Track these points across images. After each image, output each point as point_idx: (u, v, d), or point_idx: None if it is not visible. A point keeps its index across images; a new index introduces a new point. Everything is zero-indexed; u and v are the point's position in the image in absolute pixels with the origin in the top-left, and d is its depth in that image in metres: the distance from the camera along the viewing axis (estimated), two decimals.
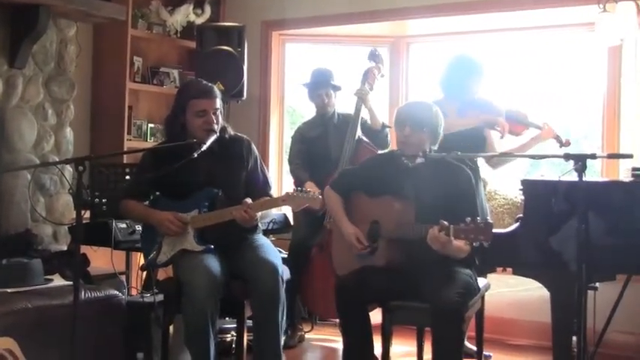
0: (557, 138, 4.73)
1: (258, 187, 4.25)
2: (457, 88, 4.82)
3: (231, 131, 4.25)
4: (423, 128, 3.88)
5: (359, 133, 5.27)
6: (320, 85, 5.36)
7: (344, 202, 4.13)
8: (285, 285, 4.01)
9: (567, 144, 4.72)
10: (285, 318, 4.05)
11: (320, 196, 3.94)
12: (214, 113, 4.07)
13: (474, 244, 3.53)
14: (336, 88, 5.40)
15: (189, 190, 4.08)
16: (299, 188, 4.03)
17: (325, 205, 4.26)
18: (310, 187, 5.03)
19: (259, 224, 4.31)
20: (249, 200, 3.98)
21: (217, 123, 4.09)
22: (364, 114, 5.34)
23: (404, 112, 3.96)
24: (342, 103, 5.54)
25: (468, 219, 3.47)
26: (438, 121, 3.94)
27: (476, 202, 3.92)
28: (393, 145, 5.11)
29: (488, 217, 4.81)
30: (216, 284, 3.86)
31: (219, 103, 4.12)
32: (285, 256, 5.10)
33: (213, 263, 3.93)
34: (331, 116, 5.42)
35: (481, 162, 4.83)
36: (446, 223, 3.52)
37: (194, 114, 4.06)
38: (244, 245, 4.13)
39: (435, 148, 3.96)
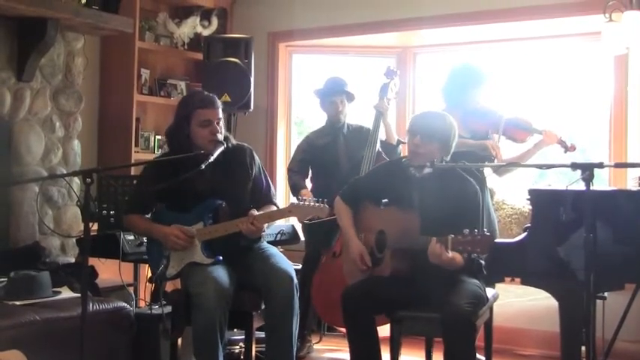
0: (562, 143, 4.69)
1: (262, 194, 4.27)
2: (459, 98, 4.82)
3: (233, 140, 4.26)
4: (434, 139, 3.88)
5: (378, 146, 5.24)
6: (334, 92, 5.33)
7: (354, 211, 4.14)
8: (298, 294, 4.01)
9: (572, 149, 4.67)
10: (297, 328, 4.05)
11: (326, 205, 3.94)
12: (217, 123, 4.09)
13: (472, 256, 3.53)
14: (350, 97, 5.37)
15: (194, 202, 4.08)
16: (304, 198, 4.02)
17: (332, 214, 4.25)
18: (306, 194, 5.03)
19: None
20: (255, 212, 3.98)
21: (221, 133, 4.10)
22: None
23: (417, 122, 3.97)
24: (354, 115, 5.52)
25: (467, 231, 3.48)
26: (450, 133, 3.92)
27: (479, 215, 3.91)
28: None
29: (496, 227, 4.83)
30: (226, 295, 3.86)
31: (221, 112, 4.14)
32: (298, 267, 5.09)
33: (222, 275, 3.93)
34: (341, 126, 5.40)
35: (487, 170, 4.82)
36: (447, 236, 3.53)
37: (198, 124, 4.06)
38: (253, 255, 4.14)
39: (448, 159, 3.95)
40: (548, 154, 4.87)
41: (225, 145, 4.12)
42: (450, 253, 3.55)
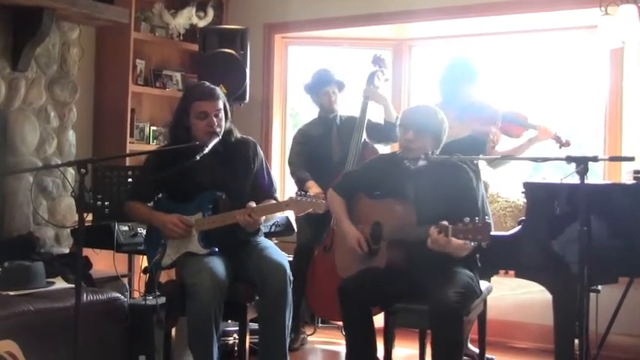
0: (557, 139, 4.69)
1: (264, 189, 4.26)
2: (453, 94, 4.82)
3: (237, 133, 4.26)
4: (427, 134, 3.88)
5: (364, 136, 5.26)
6: (325, 82, 5.35)
7: (347, 204, 4.14)
8: (291, 286, 4.02)
9: (567, 144, 4.68)
10: (291, 320, 4.06)
11: (323, 200, 3.94)
12: (216, 115, 4.07)
13: (473, 244, 3.52)
14: (341, 85, 5.40)
15: (194, 192, 4.08)
16: (302, 192, 4.02)
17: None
18: (312, 186, 5.05)
19: (261, 227, 4.31)
20: (253, 204, 3.98)
21: (220, 125, 4.09)
22: (370, 114, 5.34)
23: (409, 116, 3.96)
24: (347, 106, 5.53)
25: (467, 219, 3.47)
26: (442, 127, 3.93)
27: (477, 199, 3.92)
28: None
29: (490, 220, 4.83)
30: (221, 287, 3.86)
31: (221, 104, 4.12)
32: (290, 258, 5.10)
33: (218, 266, 3.93)
34: (334, 117, 5.41)
35: (482, 163, 4.82)
36: (445, 223, 3.52)
37: (196, 116, 4.06)
38: (249, 247, 4.14)
39: (437, 152, 3.95)
40: (544, 148, 4.86)
41: (226, 137, 4.13)
42: (455, 240, 3.53)
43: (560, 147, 4.68)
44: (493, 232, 3.49)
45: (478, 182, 4.53)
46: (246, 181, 4.21)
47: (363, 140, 5.23)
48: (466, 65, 4.89)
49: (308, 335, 5.50)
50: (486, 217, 3.55)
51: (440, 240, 3.54)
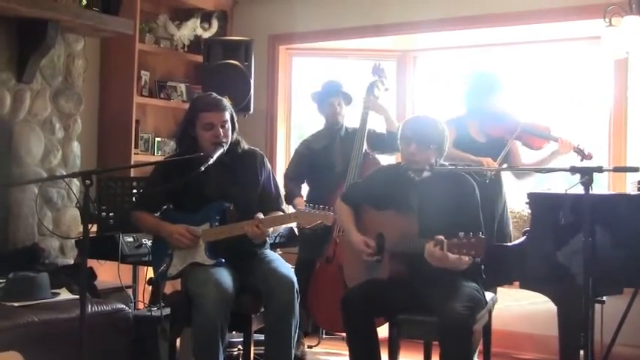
0: (580, 151, 4.62)
1: (270, 201, 4.27)
2: (480, 106, 4.83)
3: (244, 145, 4.27)
4: (430, 145, 3.87)
5: (365, 147, 5.26)
6: (331, 93, 5.35)
7: (354, 214, 4.13)
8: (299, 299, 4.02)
9: (589, 157, 4.60)
10: (297, 331, 4.05)
11: (331, 213, 3.93)
12: (223, 126, 4.08)
13: (468, 258, 3.53)
14: (347, 98, 5.39)
15: (201, 203, 4.09)
16: (310, 204, 4.02)
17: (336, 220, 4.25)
18: (300, 204, 5.06)
19: (267, 238, 4.31)
20: (260, 215, 3.98)
21: (226, 136, 4.10)
22: (373, 125, 5.34)
23: (410, 129, 3.95)
24: (351, 118, 5.53)
25: (462, 234, 3.48)
26: (444, 137, 3.93)
27: (479, 211, 3.90)
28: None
29: (510, 229, 4.83)
30: (227, 297, 3.86)
31: (227, 115, 4.13)
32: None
33: (225, 277, 3.93)
34: (339, 129, 5.41)
35: (506, 177, 4.83)
36: (441, 237, 3.53)
37: (202, 127, 4.07)
38: (256, 259, 4.14)
39: (441, 161, 3.95)
40: (562, 158, 4.81)
41: (233, 148, 4.15)
42: (452, 255, 3.54)
43: (582, 159, 4.62)
44: (498, 244, 3.50)
45: (500, 192, 4.56)
46: (252, 193, 4.22)
47: (364, 151, 5.23)
48: (493, 78, 4.91)
49: (312, 347, 5.49)
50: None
51: (436, 253, 3.55)
